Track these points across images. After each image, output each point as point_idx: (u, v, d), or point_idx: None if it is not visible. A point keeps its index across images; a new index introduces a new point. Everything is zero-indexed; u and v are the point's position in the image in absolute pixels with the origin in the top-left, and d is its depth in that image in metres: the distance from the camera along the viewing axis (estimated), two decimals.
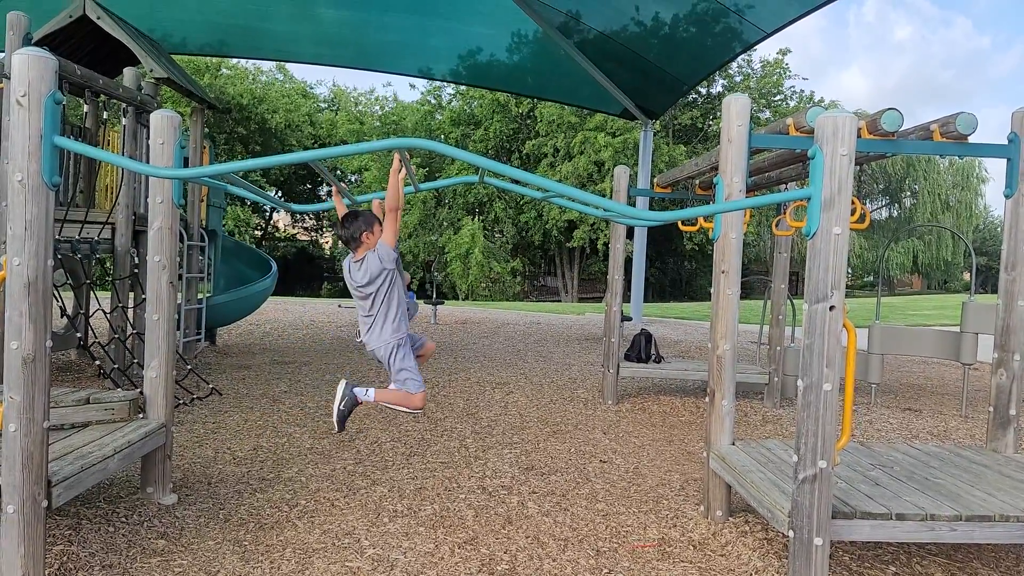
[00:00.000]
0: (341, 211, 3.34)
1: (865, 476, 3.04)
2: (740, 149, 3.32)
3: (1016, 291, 3.43)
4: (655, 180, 6.68)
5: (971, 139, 3.34)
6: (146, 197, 3.68)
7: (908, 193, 31.14)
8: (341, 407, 3.21)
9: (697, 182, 6.07)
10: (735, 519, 3.36)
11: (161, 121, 3.25)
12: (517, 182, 3.11)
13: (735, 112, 3.33)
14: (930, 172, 29.96)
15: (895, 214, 32.12)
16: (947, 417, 5.97)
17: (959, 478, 3.05)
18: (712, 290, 3.50)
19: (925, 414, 6.07)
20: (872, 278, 33.71)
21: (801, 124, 3.40)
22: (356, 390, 3.23)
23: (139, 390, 3.47)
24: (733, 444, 3.40)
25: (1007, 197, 3.46)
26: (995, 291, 3.58)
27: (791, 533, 2.54)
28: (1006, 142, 3.41)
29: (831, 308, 2.48)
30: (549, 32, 9.72)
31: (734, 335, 3.40)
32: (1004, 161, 3.43)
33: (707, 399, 3.46)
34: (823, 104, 28.19)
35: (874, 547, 3.06)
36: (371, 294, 3.10)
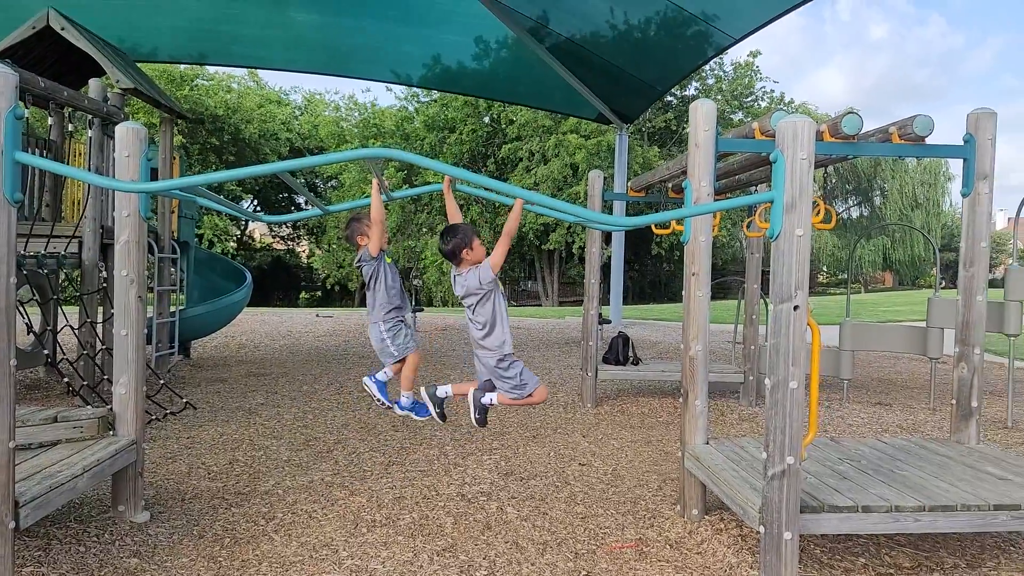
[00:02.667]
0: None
1: (833, 471, 3.11)
2: (707, 153, 3.39)
3: (975, 287, 3.54)
4: (629, 184, 6.75)
5: (930, 140, 3.44)
6: (113, 210, 3.62)
7: (878, 192, 31.88)
8: (476, 416, 3.39)
9: (670, 185, 6.15)
10: (710, 517, 3.41)
11: (126, 133, 3.21)
12: (489, 189, 3.13)
13: (702, 117, 3.39)
14: (897, 171, 30.72)
15: (866, 212, 32.85)
16: (916, 411, 6.12)
17: (924, 470, 3.13)
18: (684, 292, 3.56)
19: (895, 408, 6.21)
20: (845, 276, 34.33)
21: (766, 128, 3.47)
22: (482, 398, 3.35)
23: (109, 407, 3.42)
24: (707, 443, 3.46)
25: (964, 196, 3.58)
26: None
27: (762, 529, 2.59)
28: (962, 143, 3.52)
29: (795, 308, 2.55)
30: (524, 39, 9.79)
31: (706, 336, 3.46)
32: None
33: (681, 399, 3.51)
34: (792, 107, 28.72)
35: (845, 539, 3.13)
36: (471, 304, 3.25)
